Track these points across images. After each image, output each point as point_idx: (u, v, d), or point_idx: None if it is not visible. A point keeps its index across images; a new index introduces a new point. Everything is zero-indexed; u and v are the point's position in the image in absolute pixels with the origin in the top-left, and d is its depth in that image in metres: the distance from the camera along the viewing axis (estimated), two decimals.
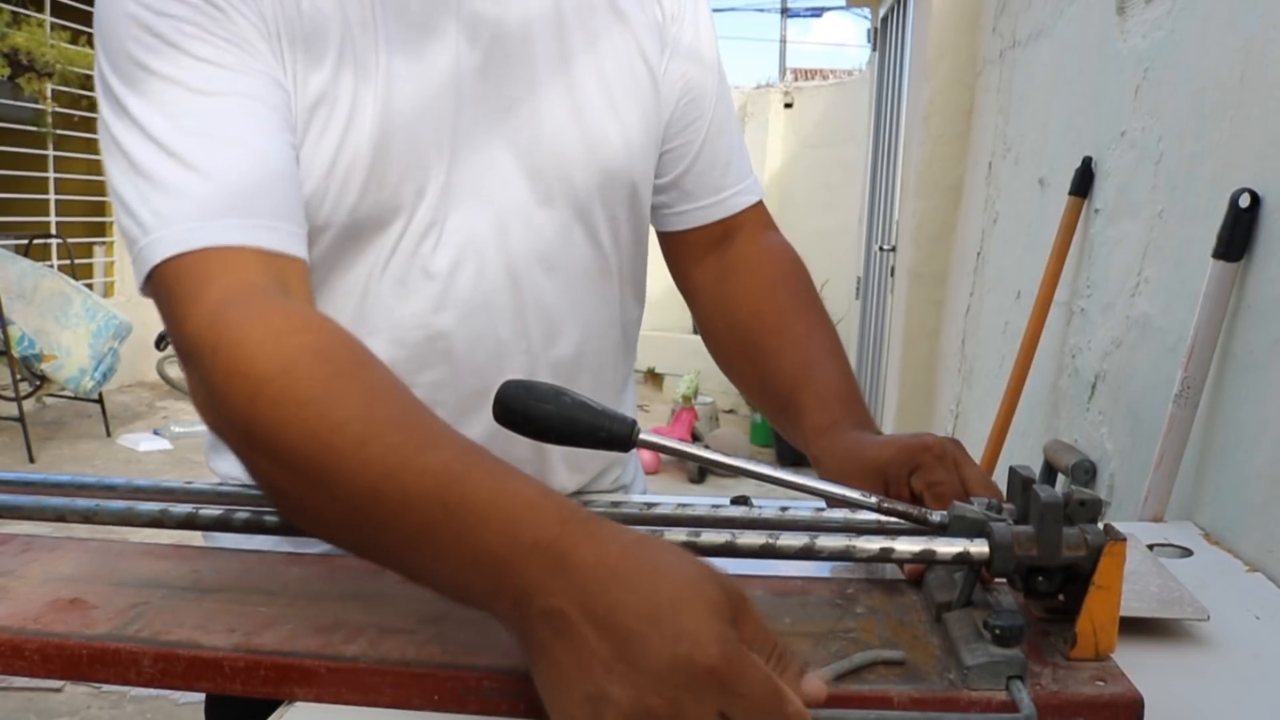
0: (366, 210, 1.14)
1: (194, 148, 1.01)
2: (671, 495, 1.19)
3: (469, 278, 1.19)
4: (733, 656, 0.70)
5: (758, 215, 1.44)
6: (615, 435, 0.92)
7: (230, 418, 0.90)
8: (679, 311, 9.79)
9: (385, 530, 0.83)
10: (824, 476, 1.07)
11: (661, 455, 6.22)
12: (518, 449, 1.15)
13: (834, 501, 1.02)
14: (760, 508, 1.06)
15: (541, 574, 0.75)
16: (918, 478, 1.07)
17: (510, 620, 0.78)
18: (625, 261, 1.33)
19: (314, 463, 0.85)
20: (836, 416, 1.20)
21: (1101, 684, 0.83)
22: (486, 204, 1.19)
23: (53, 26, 8.69)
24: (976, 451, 3.06)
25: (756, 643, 0.76)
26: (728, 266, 1.41)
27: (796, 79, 14.41)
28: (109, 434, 7.97)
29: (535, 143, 1.20)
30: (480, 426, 1.15)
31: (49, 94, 8.58)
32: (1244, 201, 1.53)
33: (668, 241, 1.45)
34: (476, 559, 0.78)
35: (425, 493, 0.80)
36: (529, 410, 0.92)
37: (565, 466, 1.30)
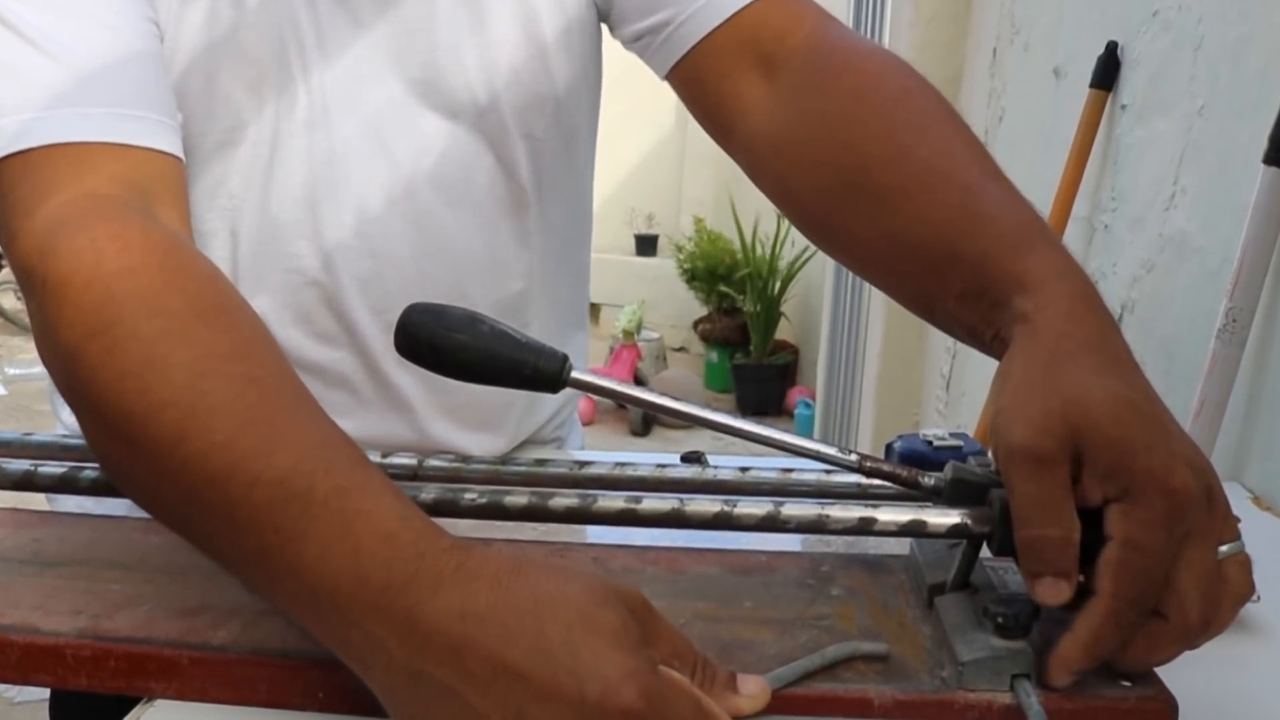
0: (215, 125, 1.13)
1: (35, 21, 0.99)
2: (609, 451, 1.19)
3: (352, 213, 1.18)
4: (651, 692, 0.70)
5: (802, 7, 1.20)
6: (542, 373, 0.91)
7: (54, 367, 0.89)
8: (617, 228, 9.81)
9: (214, 543, 0.82)
10: (1003, 395, 0.86)
11: (598, 401, 6.15)
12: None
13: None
14: (716, 467, 1.06)
15: (398, 627, 0.73)
16: (1115, 503, 0.81)
17: (366, 676, 0.76)
18: (552, 189, 1.30)
19: (135, 446, 0.83)
20: (1038, 277, 0.91)
21: (1128, 685, 0.83)
22: (370, 127, 1.17)
23: None
24: (976, 408, 3.07)
25: (675, 659, 0.76)
26: (798, 80, 1.16)
27: None
28: None
29: (430, 54, 1.18)
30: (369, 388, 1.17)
31: None
32: None
33: (679, 81, 1.23)
34: (316, 599, 0.76)
35: (255, 509, 0.77)
36: (437, 340, 0.91)
37: (494, 431, 1.30)
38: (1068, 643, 0.81)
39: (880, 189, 1.04)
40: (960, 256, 0.96)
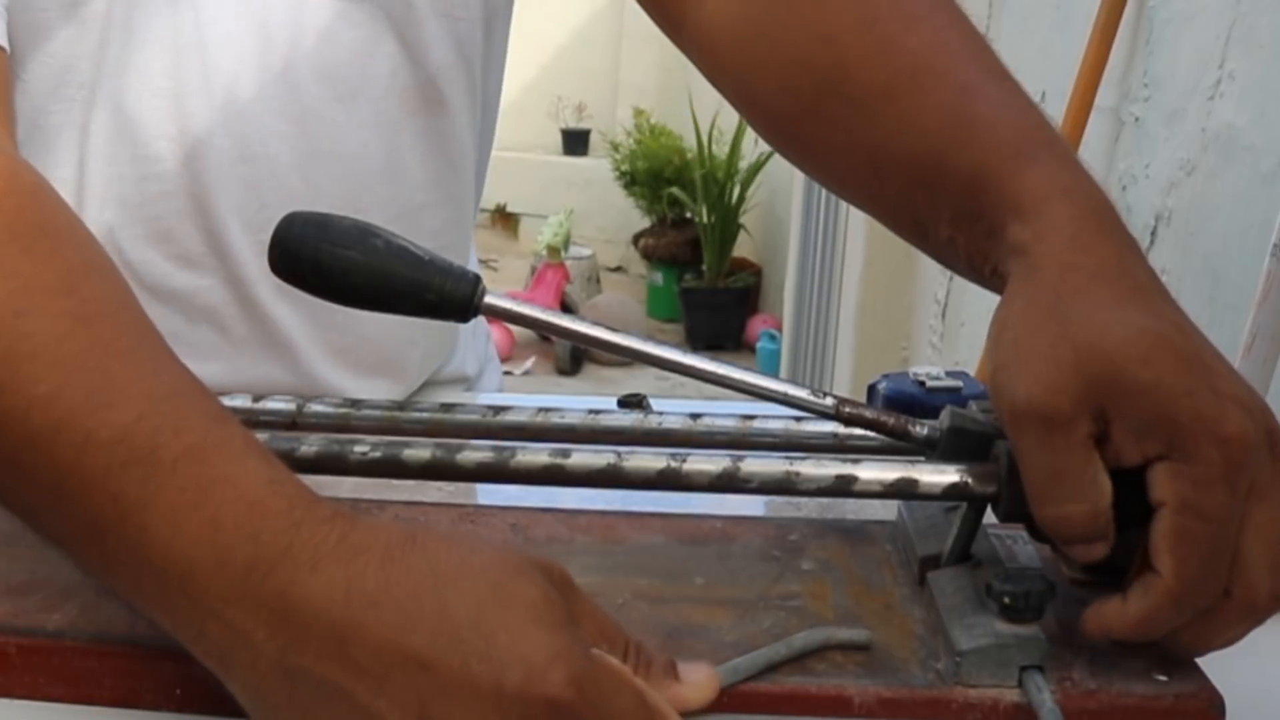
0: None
1: None
2: (531, 394, 1.19)
3: (221, 109, 1.17)
4: (584, 678, 0.69)
5: None
6: (450, 298, 0.90)
7: None
8: (540, 123, 9.76)
9: (39, 517, 0.80)
10: (1001, 335, 0.87)
11: (516, 331, 6.14)
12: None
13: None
14: (661, 414, 1.05)
15: (268, 615, 0.71)
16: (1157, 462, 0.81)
17: (228, 678, 0.74)
18: (468, 82, 1.29)
19: None
20: (1038, 197, 0.90)
21: (1163, 679, 0.84)
22: (244, 2, 1.16)
23: None
24: (978, 342, 3.08)
25: (602, 642, 0.76)
26: None
27: None
28: None
29: None
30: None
31: None
32: None
33: None
34: (164, 584, 0.74)
35: (88, 476, 0.75)
36: (321, 256, 0.89)
37: (368, 369, 1.29)
38: (1115, 612, 0.81)
39: (860, 91, 1.03)
40: (951, 171, 0.96)
